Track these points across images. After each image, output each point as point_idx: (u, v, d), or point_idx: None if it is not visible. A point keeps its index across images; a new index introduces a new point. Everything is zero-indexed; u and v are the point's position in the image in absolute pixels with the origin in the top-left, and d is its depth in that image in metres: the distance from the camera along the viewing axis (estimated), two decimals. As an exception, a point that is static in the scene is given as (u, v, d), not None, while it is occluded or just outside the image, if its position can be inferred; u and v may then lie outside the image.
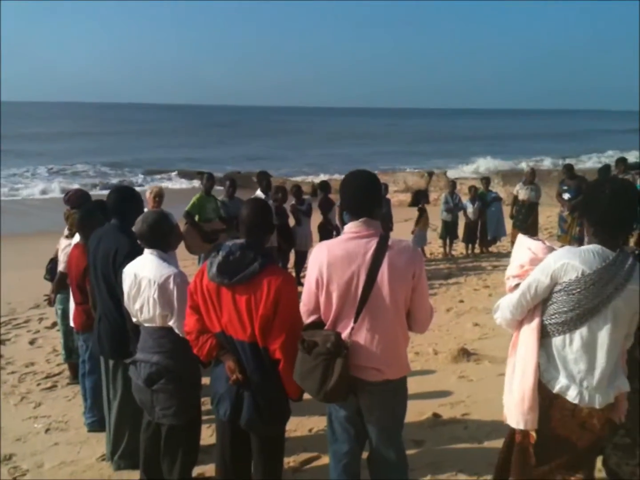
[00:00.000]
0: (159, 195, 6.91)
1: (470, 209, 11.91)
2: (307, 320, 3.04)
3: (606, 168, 11.50)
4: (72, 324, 4.92)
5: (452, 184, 12.95)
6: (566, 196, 10.76)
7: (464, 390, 5.37)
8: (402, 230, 11.87)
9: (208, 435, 4.48)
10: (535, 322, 2.76)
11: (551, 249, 2.82)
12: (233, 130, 71.28)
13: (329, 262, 2.88)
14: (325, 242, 3.06)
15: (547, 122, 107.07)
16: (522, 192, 11.56)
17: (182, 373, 3.54)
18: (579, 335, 2.65)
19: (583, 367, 2.66)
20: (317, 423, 4.67)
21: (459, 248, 12.52)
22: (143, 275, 3.50)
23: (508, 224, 12.15)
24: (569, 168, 11.20)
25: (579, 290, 2.61)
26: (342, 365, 2.81)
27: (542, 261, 2.75)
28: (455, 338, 7.00)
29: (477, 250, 12.29)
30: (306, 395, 3.08)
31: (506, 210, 12.38)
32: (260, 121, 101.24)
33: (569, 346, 2.68)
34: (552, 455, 2.81)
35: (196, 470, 3.93)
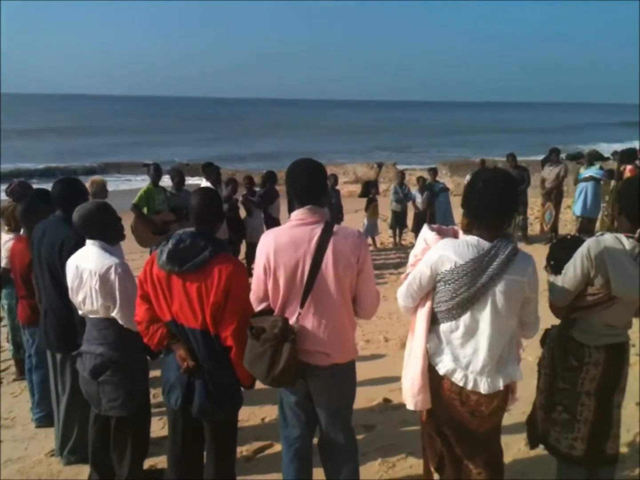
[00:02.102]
0: (97, 186, 6.74)
1: (419, 199, 12.07)
2: (258, 307, 3.06)
3: (545, 159, 11.86)
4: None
5: (401, 174, 13.13)
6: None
7: (414, 375, 5.48)
8: (353, 221, 11.98)
9: (159, 428, 4.46)
10: (426, 309, 2.87)
11: (451, 237, 2.92)
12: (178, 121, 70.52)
13: (276, 249, 2.91)
14: (273, 230, 3.09)
15: (539, 115, 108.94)
16: (471, 183, 11.76)
17: (128, 364, 3.52)
18: (462, 322, 2.76)
19: (469, 352, 2.78)
20: (269, 412, 4.70)
21: (409, 237, 12.68)
22: (85, 266, 3.45)
23: (457, 213, 12.38)
24: (512, 157, 11.48)
25: (453, 280, 2.71)
26: (290, 350, 2.84)
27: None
28: (405, 325, 7.08)
29: (426, 240, 12.46)
30: (259, 385, 3.11)
31: (454, 200, 12.60)
32: (197, 111, 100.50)
33: (455, 332, 2.79)
34: (452, 436, 2.92)
35: (147, 462, 3.90)
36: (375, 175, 22.26)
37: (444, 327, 2.82)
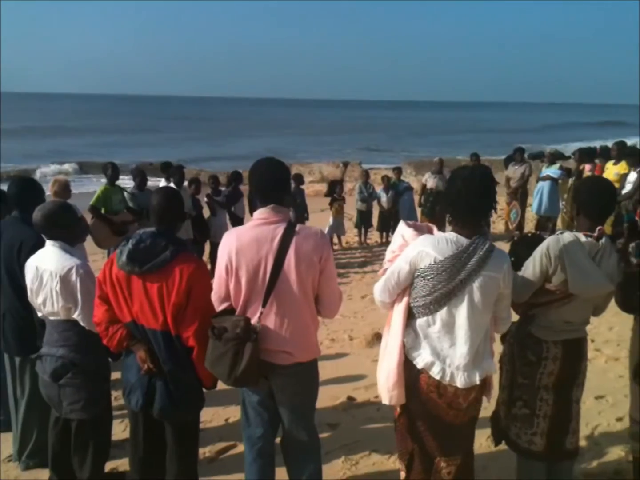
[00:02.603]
0: (60, 186, 6.61)
1: (383, 198, 12.14)
2: (219, 307, 3.04)
3: (508, 158, 12.05)
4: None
5: (366, 174, 13.17)
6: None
7: (378, 373, 5.51)
8: (319, 220, 11.99)
9: (121, 430, 4.40)
10: (403, 303, 2.89)
11: (425, 234, 2.95)
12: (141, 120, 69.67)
13: (238, 248, 2.90)
14: (235, 229, 3.07)
15: (514, 115, 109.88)
16: (430, 181, 11.89)
17: (89, 366, 3.47)
18: (439, 317, 2.79)
19: (446, 346, 2.81)
20: (233, 413, 4.68)
21: (374, 236, 12.76)
22: (45, 267, 3.39)
23: (419, 212, 12.50)
24: (475, 157, 11.63)
25: (432, 276, 2.74)
26: (252, 349, 2.83)
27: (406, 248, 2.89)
28: (370, 324, 7.15)
29: (391, 238, 12.51)
30: (223, 385, 3.09)
31: (418, 199, 12.71)
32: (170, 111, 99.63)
33: (432, 327, 2.82)
34: (427, 432, 2.94)
35: (109, 465, 3.86)
36: (341, 174, 22.33)
37: (420, 321, 2.84)
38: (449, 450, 2.94)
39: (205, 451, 4.16)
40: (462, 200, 2.77)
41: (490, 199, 2.84)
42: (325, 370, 5.43)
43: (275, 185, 2.96)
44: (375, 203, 12.27)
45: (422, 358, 2.84)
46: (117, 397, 4.77)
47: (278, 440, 3.22)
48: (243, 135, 51.19)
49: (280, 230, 2.90)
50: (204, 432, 4.37)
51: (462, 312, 2.76)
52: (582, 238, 3.03)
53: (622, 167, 8.47)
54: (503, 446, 3.42)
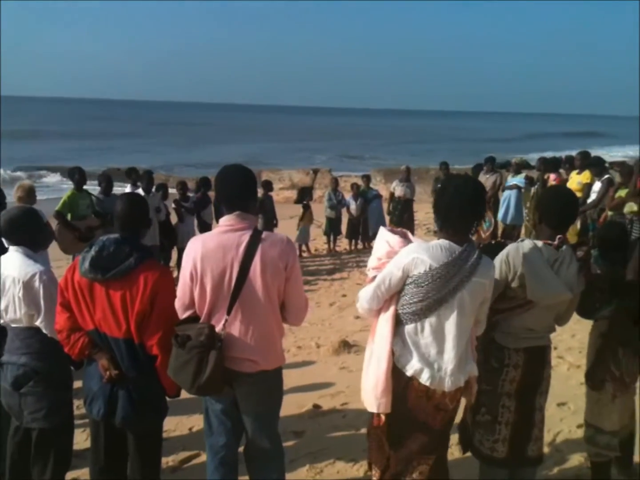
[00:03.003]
0: (24, 191, 6.50)
1: (353, 205, 12.20)
2: (183, 315, 3.01)
3: (478, 166, 12.19)
4: None
5: (335, 181, 13.22)
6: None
7: (344, 380, 5.52)
8: (288, 227, 12.00)
9: (83, 440, 4.33)
10: (391, 311, 2.90)
11: (407, 243, 2.98)
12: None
13: (203, 255, 2.88)
14: (200, 236, 3.06)
15: (490, 125, 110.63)
16: (398, 189, 12.02)
17: (52, 374, 3.41)
18: (429, 323, 2.82)
19: (434, 352, 2.84)
20: (197, 422, 4.64)
21: (343, 244, 12.79)
22: (7, 273, 3.33)
23: (389, 219, 12.58)
24: (445, 166, 11.75)
25: (427, 282, 2.76)
26: (216, 357, 2.82)
27: (397, 254, 2.90)
28: (337, 331, 7.17)
29: (359, 246, 12.61)
30: (187, 394, 3.05)
31: (387, 207, 12.80)
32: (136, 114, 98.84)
33: (421, 333, 2.84)
34: (408, 438, 2.96)
35: (69, 475, 3.79)
36: (310, 181, 22.37)
37: (408, 328, 2.86)
38: (427, 451, 2.96)
39: (168, 460, 4.12)
40: (455, 207, 2.82)
41: (481, 207, 2.91)
42: (292, 378, 5.42)
43: (241, 192, 2.96)
44: (344, 210, 12.33)
45: (411, 365, 2.85)
46: (78, 406, 4.69)
47: (241, 449, 3.20)
48: (217, 142, 50.97)
49: (246, 237, 2.89)
50: (167, 441, 4.32)
51: (451, 318, 2.80)
52: (542, 246, 3.08)
53: (585, 176, 8.63)
54: (467, 453, 3.45)
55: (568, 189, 3.53)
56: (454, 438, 3.62)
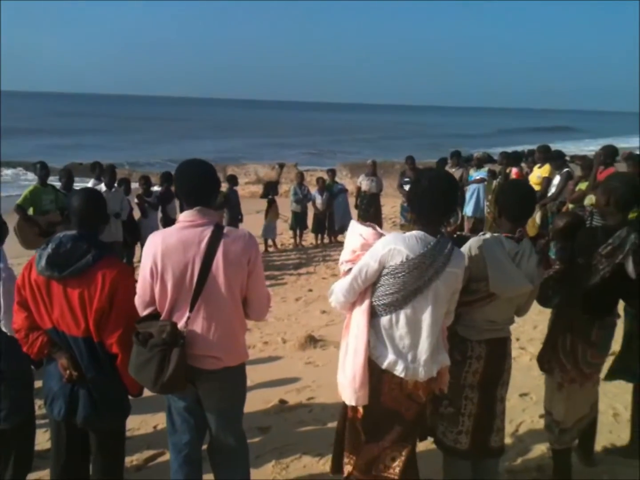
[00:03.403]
0: None
1: (318, 200, 12.21)
2: (144, 312, 2.97)
3: (442, 160, 12.29)
4: None
5: (300, 175, 13.21)
6: (407, 187, 11.31)
7: (310, 375, 5.53)
8: (254, 222, 11.94)
9: (45, 440, 4.25)
10: (366, 303, 2.91)
11: (380, 235, 2.99)
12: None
13: (163, 251, 2.84)
14: (160, 231, 3.02)
15: (459, 120, 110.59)
16: (364, 184, 12.08)
17: (12, 373, 3.36)
18: (404, 314, 2.84)
19: (408, 343, 2.86)
20: (161, 420, 4.55)
21: (309, 238, 12.80)
22: None
23: (354, 214, 12.61)
24: (411, 160, 11.82)
25: (403, 273, 2.79)
26: (179, 355, 2.78)
27: (372, 246, 2.90)
28: (303, 326, 7.17)
29: (326, 240, 12.64)
30: (151, 392, 3.01)
31: (352, 201, 12.85)
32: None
33: (395, 325, 2.86)
34: (383, 429, 2.99)
35: (31, 476, 3.73)
36: (276, 176, 22.29)
37: (383, 320, 2.87)
38: (400, 441, 2.99)
39: (132, 459, 4.07)
40: (428, 199, 2.86)
41: (454, 199, 2.96)
42: (258, 373, 5.41)
43: (201, 187, 2.93)
44: (310, 205, 12.32)
45: (385, 357, 2.87)
46: (40, 406, 4.61)
47: (205, 447, 3.18)
48: (191, 137, 50.41)
49: (207, 232, 2.86)
50: (131, 439, 4.27)
51: (426, 308, 2.83)
52: (503, 240, 3.12)
53: (545, 170, 8.77)
54: (431, 445, 3.48)
55: (525, 182, 3.59)
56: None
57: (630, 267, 3.30)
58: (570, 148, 39.28)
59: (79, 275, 2.88)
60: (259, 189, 20.07)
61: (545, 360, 3.58)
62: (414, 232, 2.87)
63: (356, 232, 3.07)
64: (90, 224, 3.03)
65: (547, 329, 3.63)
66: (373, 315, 2.91)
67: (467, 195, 10.89)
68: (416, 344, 2.86)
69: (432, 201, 2.86)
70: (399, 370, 2.85)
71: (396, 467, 2.99)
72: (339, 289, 2.97)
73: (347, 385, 2.94)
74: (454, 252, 2.87)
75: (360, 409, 2.98)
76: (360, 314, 2.93)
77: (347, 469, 3.09)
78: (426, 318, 2.84)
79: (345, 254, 3.09)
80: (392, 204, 15.65)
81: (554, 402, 3.60)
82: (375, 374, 2.90)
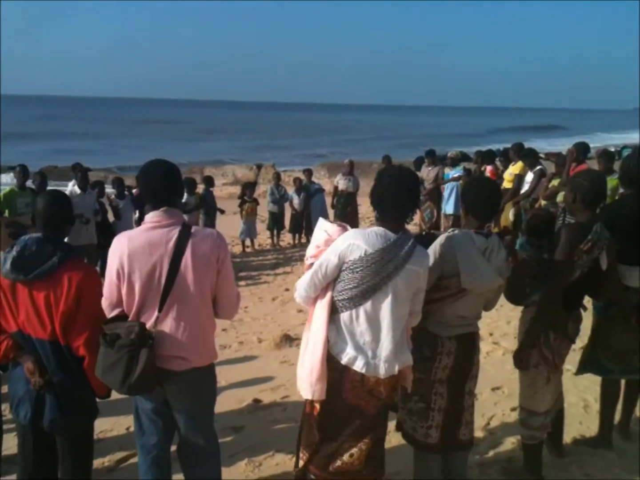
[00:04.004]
0: None
1: (295, 200, 12.23)
2: (111, 314, 2.95)
3: (419, 159, 12.37)
4: None
5: (277, 176, 13.23)
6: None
7: (285, 374, 5.53)
8: (232, 222, 11.94)
9: (15, 444, 4.20)
10: (327, 298, 2.93)
11: (345, 230, 3.01)
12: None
13: (130, 252, 2.83)
14: (126, 232, 3.00)
15: (440, 120, 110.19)
16: (341, 183, 12.12)
17: None
18: (363, 310, 2.87)
19: (368, 339, 2.88)
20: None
21: (287, 238, 12.80)
22: None
23: (332, 213, 12.63)
24: (387, 159, 11.87)
25: (362, 268, 2.81)
26: (147, 355, 2.78)
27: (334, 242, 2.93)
28: (279, 325, 7.18)
29: (303, 240, 12.64)
30: (121, 394, 3.00)
31: (331, 200, 12.86)
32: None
33: (356, 320, 2.88)
34: (342, 425, 3.00)
35: (0, 481, 3.68)
36: (254, 176, 22.28)
37: (344, 316, 2.89)
38: (359, 434, 3.00)
39: (104, 461, 4.05)
40: (390, 195, 2.88)
41: (416, 196, 2.98)
42: (233, 373, 5.42)
43: (166, 188, 2.92)
44: (287, 205, 12.33)
45: (345, 354, 2.89)
46: (5, 410, 4.57)
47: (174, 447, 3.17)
48: (179, 140, 50.12)
49: (174, 232, 2.86)
50: (104, 441, 4.26)
51: (386, 305, 2.85)
52: (473, 235, 3.15)
53: (517, 167, 8.88)
54: (402, 439, 3.50)
55: (491, 180, 3.63)
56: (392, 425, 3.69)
57: (603, 261, 3.40)
58: (558, 146, 39.19)
59: (45, 277, 2.87)
60: (237, 190, 20.06)
61: (524, 359, 3.56)
62: (375, 228, 2.90)
63: (322, 228, 3.10)
64: (55, 226, 3.01)
65: (523, 326, 3.61)
66: (334, 311, 2.94)
67: (446, 193, 10.95)
68: (377, 341, 2.88)
69: (393, 198, 2.89)
70: (359, 366, 2.87)
71: (355, 460, 3.00)
72: (301, 284, 3.01)
73: (305, 379, 2.97)
74: (416, 250, 2.88)
75: (317, 405, 3.00)
76: (321, 309, 2.95)
77: (300, 463, 3.13)
78: (386, 315, 2.86)
79: (310, 250, 3.13)
80: (369, 204, 15.53)
81: (538, 398, 3.58)
82: (337, 370, 2.93)
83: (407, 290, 2.90)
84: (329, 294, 2.93)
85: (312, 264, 3.00)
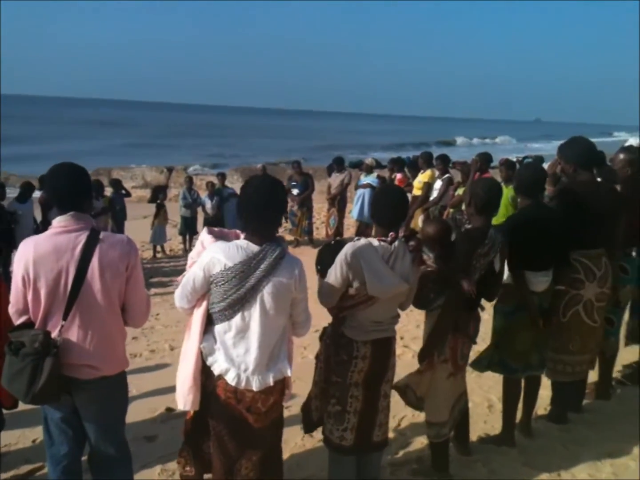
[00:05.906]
0: None
1: (208, 204, 12.09)
2: (18, 321, 2.85)
3: (330, 166, 12.55)
4: None
5: (189, 179, 13.05)
6: (295, 191, 11.48)
7: (198, 381, 5.45)
8: (142, 227, 11.66)
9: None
10: (202, 309, 2.94)
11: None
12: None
13: (35, 258, 2.74)
14: (32, 238, 2.90)
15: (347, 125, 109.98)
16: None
17: None
18: (234, 323, 2.86)
19: (241, 352, 2.88)
20: (40, 433, 4.31)
21: (199, 244, 12.61)
22: None
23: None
24: (297, 164, 11.96)
25: (223, 282, 2.81)
26: (52, 364, 2.70)
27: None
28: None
29: (218, 245, 12.52)
30: (29, 405, 2.91)
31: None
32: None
33: (228, 332, 2.88)
34: (226, 434, 2.98)
35: None
36: (165, 180, 21.83)
37: (218, 328, 2.88)
38: (249, 448, 2.99)
39: (9, 475, 3.88)
40: (252, 207, 2.84)
41: (279, 207, 2.92)
42: (145, 382, 5.29)
43: (74, 191, 2.84)
44: (200, 209, 12.18)
45: (218, 365, 2.89)
46: None
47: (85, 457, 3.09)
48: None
49: (82, 238, 2.79)
50: (9, 455, 4.09)
51: (255, 317, 2.84)
52: (375, 243, 3.21)
53: (426, 175, 9.18)
54: (318, 443, 3.55)
55: (398, 188, 3.72)
56: (300, 432, 3.72)
57: (497, 264, 3.60)
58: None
59: None
60: (146, 193, 19.57)
61: (427, 357, 3.68)
62: (237, 241, 2.89)
63: (200, 240, 3.09)
64: None
65: (428, 328, 3.70)
66: (210, 322, 2.94)
67: (355, 199, 11.15)
68: (248, 353, 2.87)
69: (254, 209, 2.85)
70: (231, 379, 2.87)
71: (250, 472, 3.01)
72: (175, 295, 3.01)
73: (179, 388, 2.99)
74: (284, 261, 2.87)
75: (191, 413, 3.04)
76: (196, 320, 2.96)
77: (180, 469, 3.23)
78: (256, 327, 2.85)
79: (188, 261, 3.13)
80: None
81: (438, 396, 3.69)
82: (212, 381, 2.94)
83: (277, 302, 2.87)
84: (204, 305, 2.92)
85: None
